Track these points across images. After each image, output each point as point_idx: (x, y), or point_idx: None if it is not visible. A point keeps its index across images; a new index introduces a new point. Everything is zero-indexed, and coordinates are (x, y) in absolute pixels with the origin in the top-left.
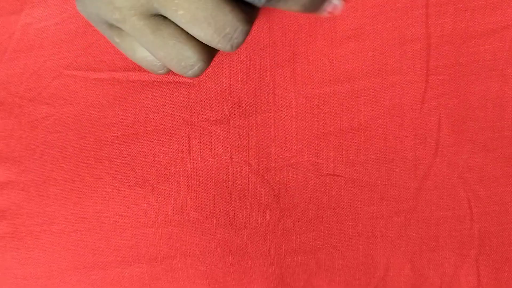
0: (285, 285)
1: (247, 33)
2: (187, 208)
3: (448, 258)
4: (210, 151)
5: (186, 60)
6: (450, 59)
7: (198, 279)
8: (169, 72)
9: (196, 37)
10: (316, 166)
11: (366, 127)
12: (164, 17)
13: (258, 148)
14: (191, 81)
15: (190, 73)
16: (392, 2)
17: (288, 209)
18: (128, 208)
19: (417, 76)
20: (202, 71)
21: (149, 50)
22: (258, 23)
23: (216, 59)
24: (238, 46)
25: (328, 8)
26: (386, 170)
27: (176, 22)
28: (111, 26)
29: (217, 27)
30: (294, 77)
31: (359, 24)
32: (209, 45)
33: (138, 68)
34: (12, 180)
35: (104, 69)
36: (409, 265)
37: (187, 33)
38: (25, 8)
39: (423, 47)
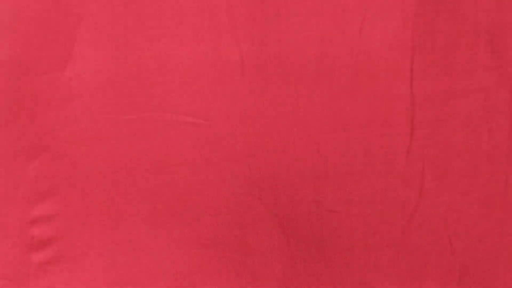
0: None
1: None
2: (206, 233)
3: (433, 287)
4: (225, 186)
5: None
6: (432, 116)
7: None
8: None
9: None
10: (318, 203)
11: (360, 171)
12: None
13: (267, 184)
14: (204, 122)
15: None
16: (380, 67)
17: (294, 238)
18: (155, 232)
19: (404, 130)
20: None
21: None
22: None
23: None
24: None
25: None
26: (377, 209)
27: None
28: None
29: None
30: (296, 125)
31: (355, 81)
32: None
33: (162, 108)
34: (57, 212)
35: (136, 111)
36: None
37: None
38: (68, 64)
39: (408, 105)
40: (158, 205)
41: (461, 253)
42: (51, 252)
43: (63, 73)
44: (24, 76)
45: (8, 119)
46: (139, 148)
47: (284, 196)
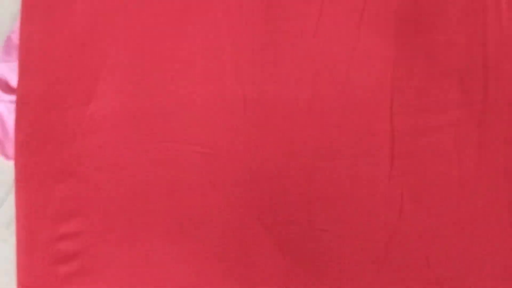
0: None
1: None
2: (212, 249)
3: None
4: (229, 207)
5: None
6: (410, 147)
7: None
8: None
9: None
10: (310, 223)
11: (347, 195)
12: None
13: (265, 206)
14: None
15: None
16: (364, 105)
17: (289, 254)
18: (168, 248)
19: (385, 159)
20: None
21: None
22: None
23: None
24: None
25: None
26: (363, 228)
27: None
28: None
29: None
30: (292, 154)
31: (342, 117)
32: None
33: (175, 139)
34: (81, 230)
35: (152, 141)
36: None
37: None
38: (92, 100)
39: (389, 138)
40: (171, 224)
41: (436, 268)
42: (76, 265)
43: (88, 107)
44: (53, 109)
45: (39, 147)
46: (154, 174)
47: (280, 217)
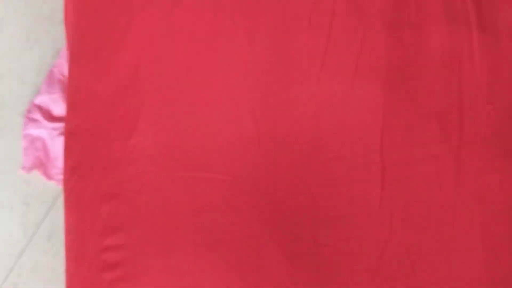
0: None
1: None
2: (231, 260)
3: None
4: (245, 225)
5: None
6: (398, 176)
7: None
8: None
9: None
10: (314, 239)
11: (344, 216)
12: None
13: (276, 225)
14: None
15: None
16: (359, 141)
17: (296, 265)
18: (195, 259)
19: (377, 185)
20: None
21: None
22: None
23: None
24: None
25: None
26: (358, 243)
27: None
28: None
29: None
30: (298, 181)
31: (340, 150)
32: None
33: (200, 168)
34: (123, 243)
35: (182, 170)
36: None
37: None
38: (133, 135)
39: (380, 168)
40: (197, 239)
41: (421, 276)
42: (118, 272)
43: (129, 141)
44: (100, 141)
45: (87, 173)
46: (184, 197)
47: (289, 234)
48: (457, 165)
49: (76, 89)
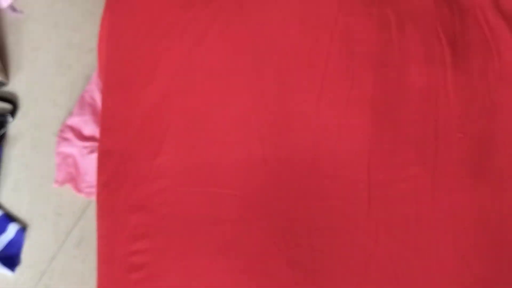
0: None
1: None
2: (243, 265)
3: None
4: (255, 235)
5: None
6: (382, 193)
7: None
8: None
9: None
10: (311, 247)
11: (335, 227)
12: None
13: (281, 234)
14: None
15: None
16: (349, 164)
17: (298, 269)
18: (212, 263)
19: (364, 202)
20: None
21: None
22: None
23: None
24: None
25: None
26: (348, 252)
27: None
28: None
29: None
30: (299, 196)
31: (334, 172)
32: None
33: (214, 185)
34: (149, 248)
35: (199, 186)
36: None
37: None
38: (158, 156)
39: (366, 186)
40: (212, 245)
41: (402, 280)
42: (143, 273)
43: (155, 161)
44: (129, 161)
45: (117, 187)
46: (200, 209)
47: (290, 242)
48: (432, 184)
49: (109, 115)
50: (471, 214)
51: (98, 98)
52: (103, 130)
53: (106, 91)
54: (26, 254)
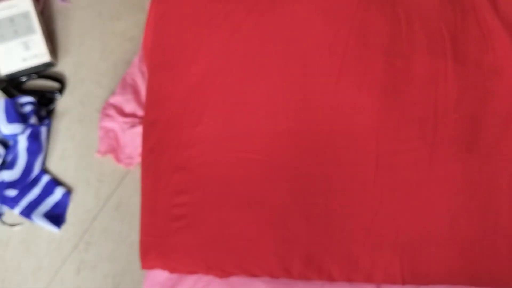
0: None
1: None
2: (267, 217)
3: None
4: (276, 193)
5: None
6: (388, 163)
7: None
8: None
9: None
10: (326, 205)
11: (346, 189)
12: None
13: (300, 193)
14: None
15: None
16: (362, 135)
17: (312, 223)
18: (241, 215)
19: (371, 170)
20: None
21: None
22: None
23: None
24: None
25: None
26: (356, 210)
27: None
28: None
29: None
30: (314, 169)
31: (348, 140)
32: None
33: (241, 150)
34: (188, 201)
35: (230, 151)
36: None
37: None
38: (199, 125)
39: (375, 155)
40: (242, 200)
41: (401, 236)
42: (183, 222)
43: (195, 129)
44: (173, 129)
45: (162, 152)
46: (232, 170)
47: (308, 200)
48: (430, 156)
49: (154, 90)
50: (462, 182)
51: (139, 80)
52: (148, 104)
53: (152, 71)
54: (71, 214)
